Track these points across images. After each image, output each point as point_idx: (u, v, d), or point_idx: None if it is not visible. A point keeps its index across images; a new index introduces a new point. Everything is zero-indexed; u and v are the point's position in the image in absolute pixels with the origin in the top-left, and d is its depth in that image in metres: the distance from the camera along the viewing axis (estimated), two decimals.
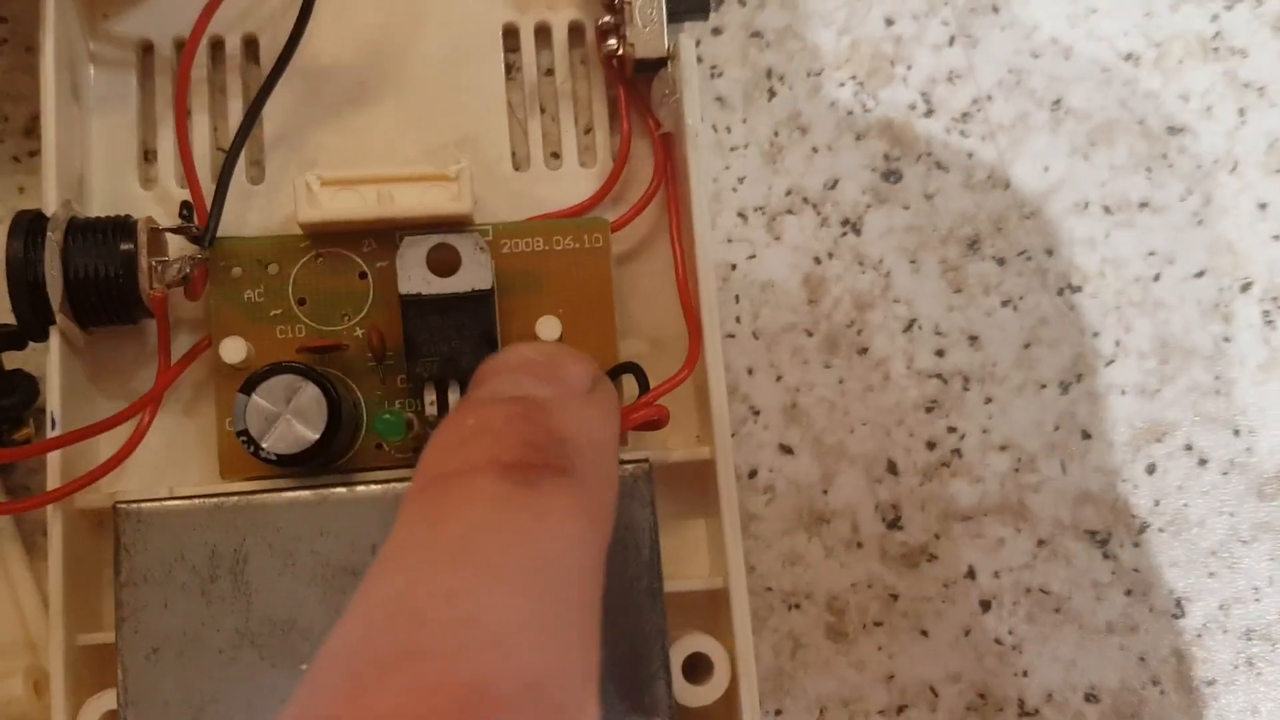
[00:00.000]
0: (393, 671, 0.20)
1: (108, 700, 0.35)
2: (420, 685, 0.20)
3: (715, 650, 0.37)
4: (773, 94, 0.43)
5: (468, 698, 0.20)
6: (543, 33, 0.42)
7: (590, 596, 0.25)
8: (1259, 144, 0.44)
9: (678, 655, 0.36)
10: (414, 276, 0.36)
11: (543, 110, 0.42)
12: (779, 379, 0.42)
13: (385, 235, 0.38)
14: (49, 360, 0.36)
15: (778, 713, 0.41)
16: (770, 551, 0.42)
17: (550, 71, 0.42)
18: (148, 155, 0.41)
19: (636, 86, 0.42)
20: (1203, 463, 0.43)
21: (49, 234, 0.36)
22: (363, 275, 0.38)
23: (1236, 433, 0.43)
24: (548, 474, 0.26)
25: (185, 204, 0.37)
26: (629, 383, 0.38)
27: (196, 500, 0.35)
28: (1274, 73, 0.45)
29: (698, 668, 0.37)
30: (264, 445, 0.34)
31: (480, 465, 0.26)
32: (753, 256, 0.43)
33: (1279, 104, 0.45)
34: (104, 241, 0.36)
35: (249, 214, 0.40)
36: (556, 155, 0.42)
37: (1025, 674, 0.42)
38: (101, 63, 0.41)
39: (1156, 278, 0.43)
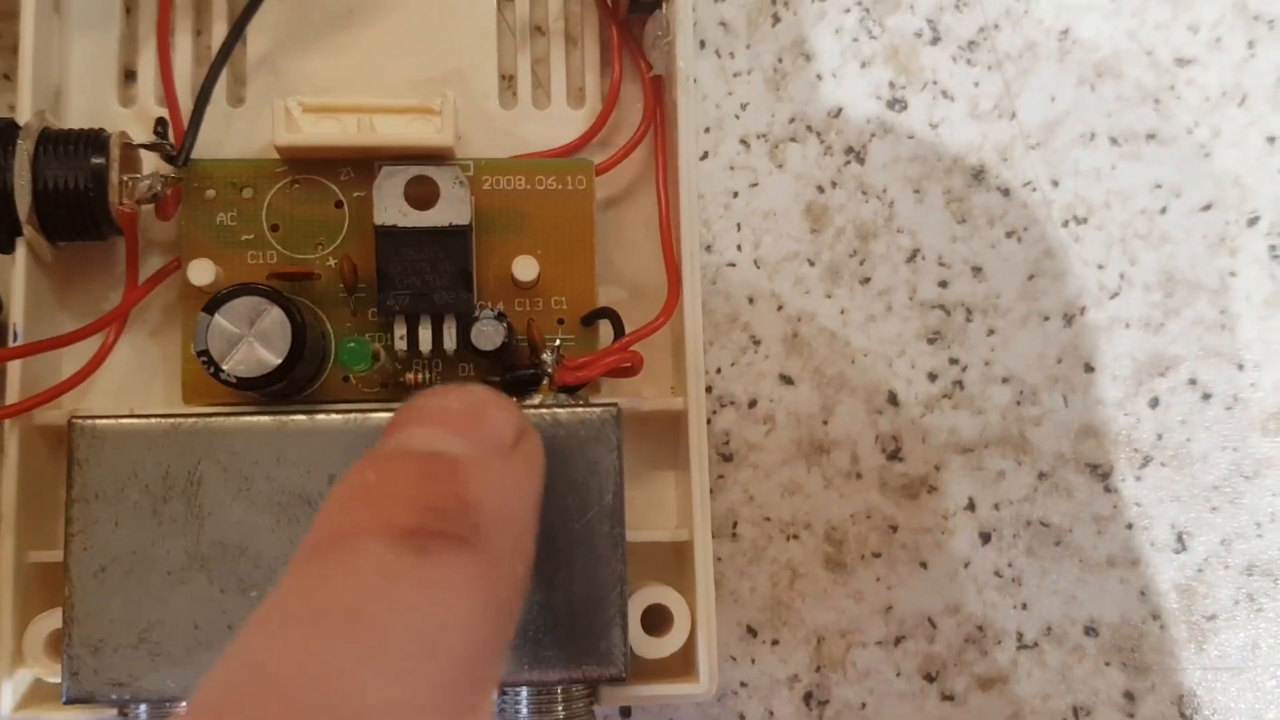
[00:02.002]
0: None
1: (55, 619, 0.27)
2: None
3: (676, 603, 0.30)
4: (777, 19, 0.34)
5: None
6: None
7: (478, 678, 0.19)
8: (1269, 77, 0.35)
9: (638, 606, 0.29)
10: (390, 207, 0.29)
11: (533, 48, 0.33)
12: (780, 308, 0.33)
13: (364, 165, 0.30)
14: (14, 273, 0.29)
15: (774, 643, 0.32)
16: (769, 481, 0.33)
17: (542, 3, 0.33)
18: (129, 75, 0.32)
19: (630, 27, 0.33)
20: (1206, 397, 0.34)
21: (20, 143, 0.28)
22: (339, 204, 0.30)
23: (1241, 367, 0.34)
24: (445, 543, 0.20)
25: (160, 120, 0.29)
26: (603, 330, 0.31)
27: (153, 420, 0.27)
28: None
29: (658, 620, 0.30)
30: (224, 367, 0.26)
31: (373, 528, 0.20)
32: (755, 185, 0.34)
33: None
34: (75, 153, 0.28)
35: (228, 137, 0.31)
36: (545, 94, 0.32)
37: (1024, 607, 0.33)
38: None
39: (1163, 210, 0.34)
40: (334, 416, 0.27)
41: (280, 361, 0.26)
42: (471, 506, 0.21)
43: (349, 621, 0.18)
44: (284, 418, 0.26)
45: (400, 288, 0.29)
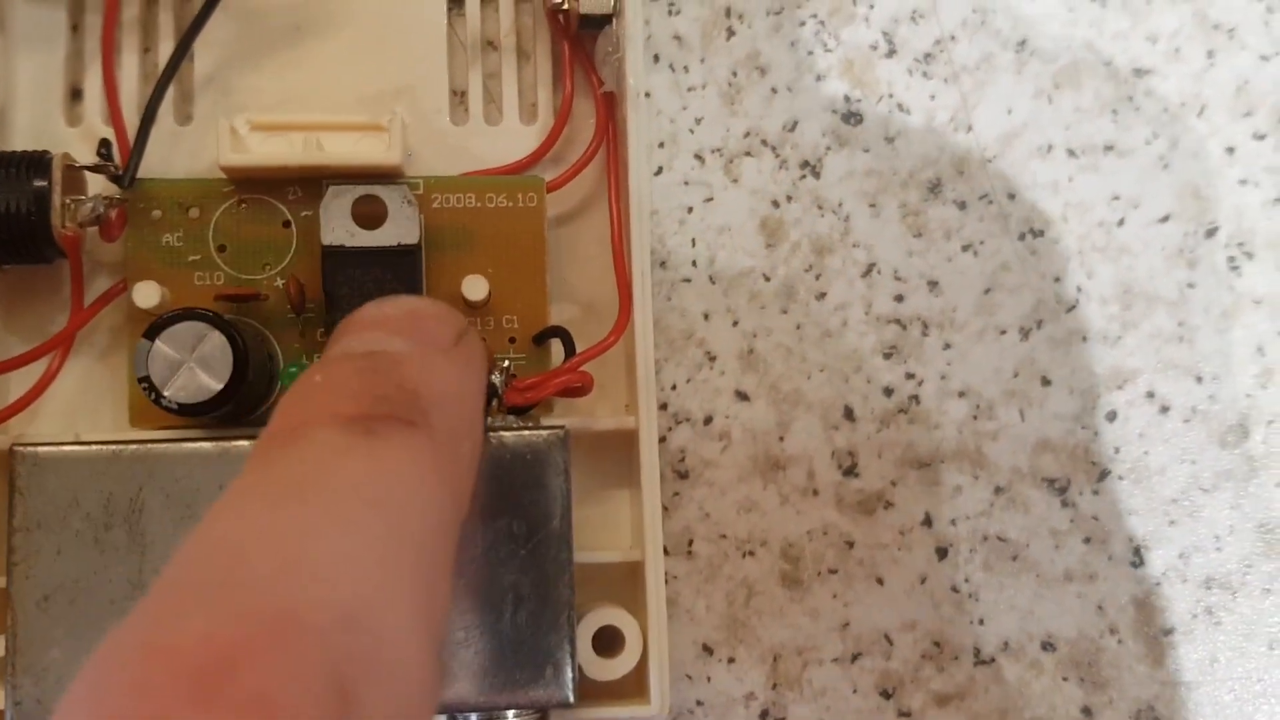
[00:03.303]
0: (206, 602, 0.17)
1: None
2: (230, 613, 0.16)
3: (628, 624, 0.30)
4: (731, 33, 0.34)
5: (276, 624, 0.16)
6: None
7: (429, 545, 0.20)
8: (1228, 87, 0.35)
9: (590, 628, 0.29)
10: (337, 227, 0.29)
11: (485, 63, 0.33)
12: (735, 324, 0.33)
13: (312, 184, 0.30)
14: None
15: (731, 661, 0.33)
16: (725, 499, 0.33)
17: (494, 17, 0.33)
18: (76, 94, 0.32)
19: (582, 43, 0.33)
20: (1164, 410, 0.34)
21: None
22: (286, 224, 0.30)
23: (1199, 380, 0.34)
24: (390, 424, 0.21)
25: (104, 141, 0.29)
26: (556, 348, 0.31)
27: (94, 446, 0.27)
28: (1244, 14, 0.35)
29: (610, 641, 0.30)
30: (165, 394, 0.26)
31: (323, 418, 0.21)
32: (710, 199, 0.34)
33: (1249, 46, 0.35)
34: (16, 176, 0.28)
35: (176, 156, 0.31)
36: (497, 110, 0.33)
37: (981, 622, 0.33)
38: None
39: (1121, 222, 0.34)
40: None
41: (222, 387, 0.26)
42: (415, 394, 0.22)
43: (298, 491, 0.19)
44: (226, 443, 0.27)
45: (348, 308, 0.28)
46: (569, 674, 0.27)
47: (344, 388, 0.22)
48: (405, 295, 0.27)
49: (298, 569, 0.17)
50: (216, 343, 0.26)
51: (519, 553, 0.27)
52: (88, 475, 0.26)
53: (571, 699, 0.27)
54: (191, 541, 0.18)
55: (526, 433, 0.28)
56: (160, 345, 0.26)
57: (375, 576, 0.18)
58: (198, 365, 0.26)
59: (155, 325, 0.27)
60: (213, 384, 0.26)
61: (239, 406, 0.28)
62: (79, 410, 0.30)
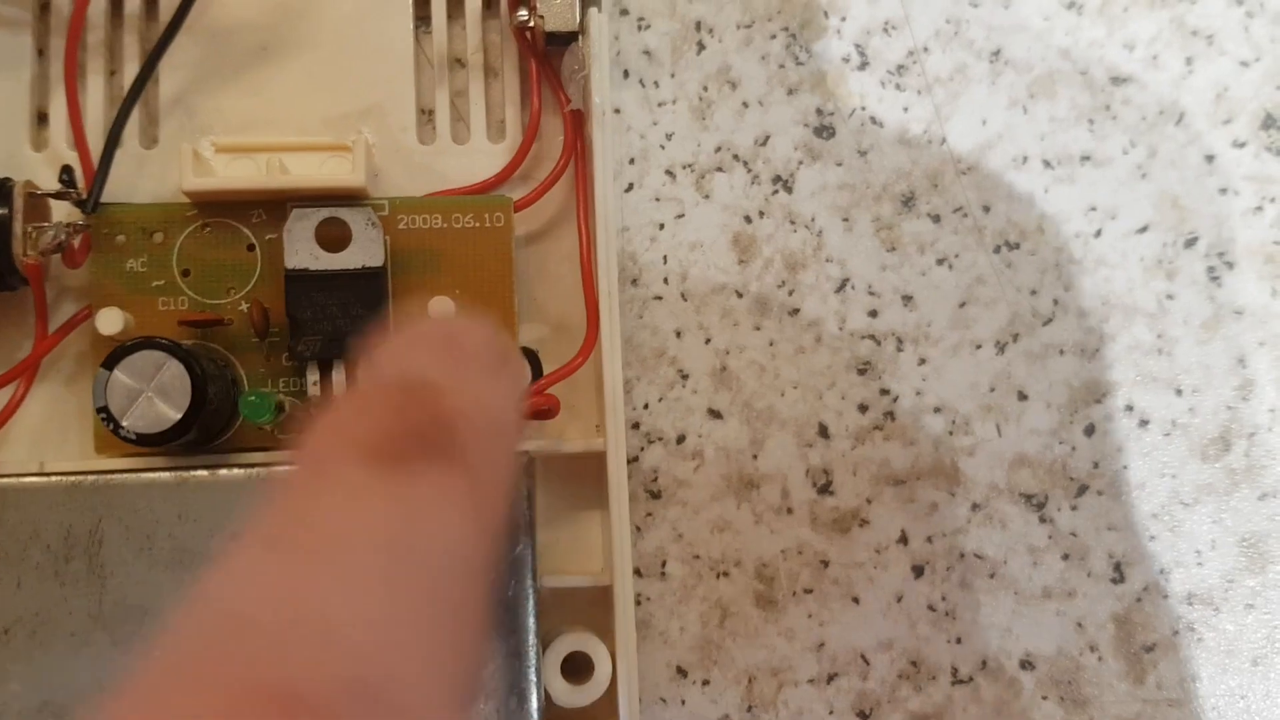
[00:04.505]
0: (207, 677, 0.16)
1: None
2: (232, 689, 0.16)
3: (597, 649, 0.30)
4: (702, 47, 0.34)
5: (280, 699, 0.16)
6: (455, 0, 0.34)
7: (453, 590, 0.19)
8: (1207, 94, 0.35)
9: (559, 653, 0.30)
10: (301, 250, 0.29)
11: (452, 81, 0.34)
12: (708, 341, 0.34)
13: (276, 207, 0.31)
14: None
15: (705, 683, 0.33)
16: (698, 518, 0.33)
17: (461, 35, 0.33)
18: (42, 118, 0.32)
19: (549, 60, 0.33)
20: (1143, 423, 0.34)
21: None
22: (250, 247, 0.31)
23: (1179, 392, 0.34)
24: (421, 461, 0.20)
25: (66, 168, 0.30)
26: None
27: (54, 478, 0.28)
28: (1223, 20, 0.35)
29: (579, 667, 0.30)
30: (124, 423, 0.27)
31: (347, 453, 0.20)
32: (681, 216, 0.34)
33: (1228, 52, 0.35)
34: None
35: (141, 180, 0.32)
36: (465, 127, 0.33)
37: (959, 641, 0.33)
38: None
39: (1098, 234, 0.34)
40: (236, 471, 0.27)
41: (180, 416, 0.27)
42: (451, 426, 0.21)
43: (311, 539, 0.18)
44: (185, 473, 0.27)
45: (311, 332, 0.29)
46: (534, 703, 0.27)
47: (373, 419, 0.21)
48: (448, 315, 0.27)
49: (302, 633, 0.17)
50: (175, 371, 0.27)
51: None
52: (47, 507, 0.27)
53: None
54: (195, 599, 0.18)
55: None
56: (119, 374, 0.27)
57: (387, 639, 0.18)
58: (156, 394, 0.27)
59: (114, 354, 0.27)
60: (171, 413, 0.27)
61: (202, 434, 0.28)
62: (45, 437, 0.31)
